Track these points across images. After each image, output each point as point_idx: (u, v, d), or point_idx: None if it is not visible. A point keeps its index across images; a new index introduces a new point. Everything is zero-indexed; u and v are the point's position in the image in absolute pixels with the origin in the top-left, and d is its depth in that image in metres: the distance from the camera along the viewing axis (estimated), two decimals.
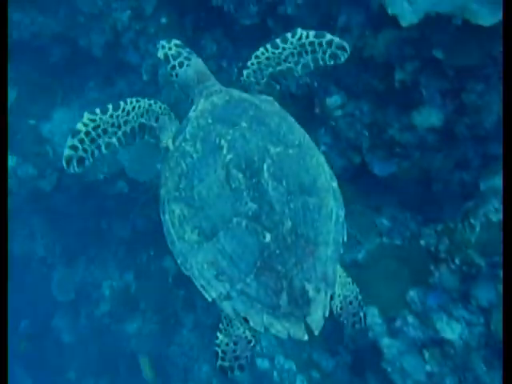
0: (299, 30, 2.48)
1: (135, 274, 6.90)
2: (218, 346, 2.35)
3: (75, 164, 2.35)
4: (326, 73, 3.70)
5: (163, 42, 2.58)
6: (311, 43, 2.47)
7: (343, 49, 2.47)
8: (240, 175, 2.18)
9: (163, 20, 5.38)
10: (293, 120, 2.49)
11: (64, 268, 7.23)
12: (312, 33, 2.47)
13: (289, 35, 2.48)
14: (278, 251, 2.12)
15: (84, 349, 7.59)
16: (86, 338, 7.43)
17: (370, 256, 4.34)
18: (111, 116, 2.41)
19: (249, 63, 2.59)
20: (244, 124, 2.29)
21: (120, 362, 7.04)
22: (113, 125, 2.42)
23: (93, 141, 2.38)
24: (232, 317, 2.22)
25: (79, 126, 2.35)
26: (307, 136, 2.46)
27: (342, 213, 2.38)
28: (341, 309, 2.44)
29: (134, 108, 2.47)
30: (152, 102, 2.54)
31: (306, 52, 2.49)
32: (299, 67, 2.54)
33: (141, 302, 6.70)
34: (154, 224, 5.71)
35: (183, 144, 2.32)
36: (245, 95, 2.50)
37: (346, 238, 2.32)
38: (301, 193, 2.23)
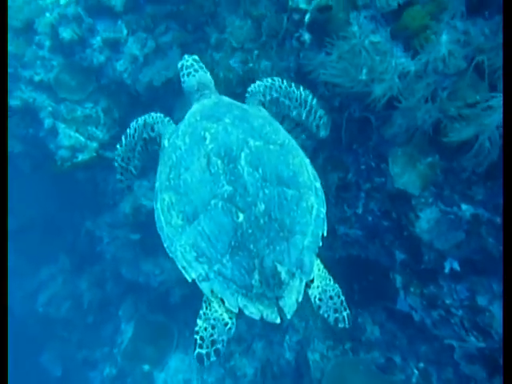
0: (308, 92, 3.02)
1: None
2: (197, 332, 2.38)
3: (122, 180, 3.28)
4: None
5: (186, 56, 3.04)
6: (311, 106, 3.03)
7: (324, 125, 3.10)
8: (219, 161, 2.38)
9: None
10: (280, 126, 2.71)
11: None
12: (315, 100, 3.05)
13: (301, 88, 3.00)
14: (250, 230, 2.25)
15: None
16: None
17: None
18: (126, 145, 3.06)
19: (264, 80, 2.97)
20: (227, 120, 2.55)
21: None
22: (130, 150, 3.08)
23: (126, 169, 3.20)
24: (210, 298, 2.35)
25: (116, 160, 3.19)
26: (294, 141, 2.63)
27: (323, 210, 2.46)
28: (320, 300, 2.44)
29: (135, 130, 2.99)
30: (146, 116, 2.95)
31: (305, 107, 3.02)
32: (294, 112, 3.04)
33: None
34: None
35: (175, 140, 2.60)
36: (234, 101, 2.80)
37: (325, 233, 2.41)
38: (278, 183, 2.38)
